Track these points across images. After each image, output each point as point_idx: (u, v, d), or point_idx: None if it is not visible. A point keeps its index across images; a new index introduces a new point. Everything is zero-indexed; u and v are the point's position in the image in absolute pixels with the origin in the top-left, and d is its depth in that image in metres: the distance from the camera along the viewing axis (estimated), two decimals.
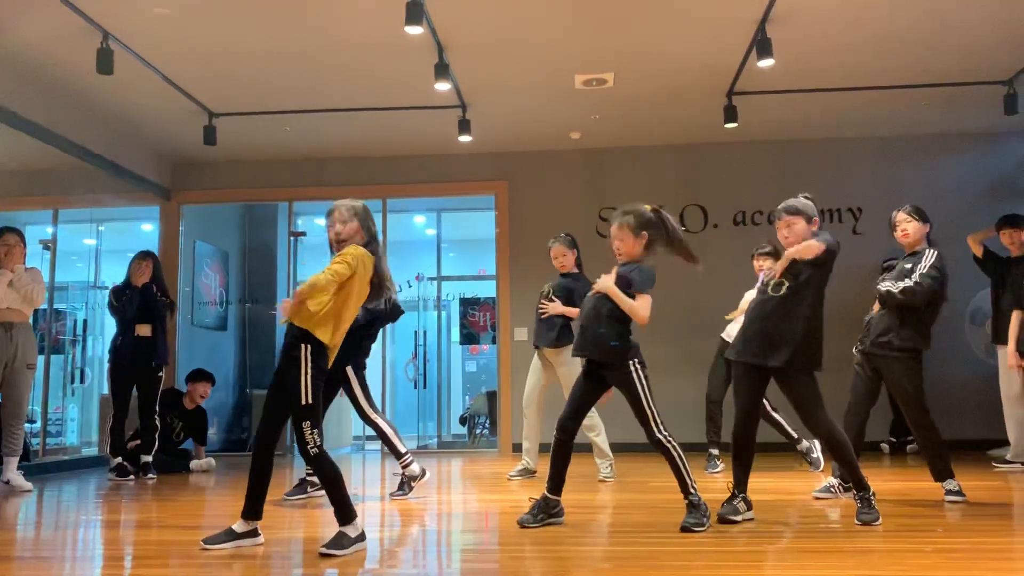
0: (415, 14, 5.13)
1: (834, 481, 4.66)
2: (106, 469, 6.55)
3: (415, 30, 5.28)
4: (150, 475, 6.32)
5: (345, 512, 3.32)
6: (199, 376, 7.20)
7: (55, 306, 8.46)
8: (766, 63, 5.82)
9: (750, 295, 6.10)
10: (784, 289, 3.91)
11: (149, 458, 6.40)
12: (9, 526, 4.31)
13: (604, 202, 8.21)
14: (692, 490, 3.73)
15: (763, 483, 5.12)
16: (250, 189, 8.85)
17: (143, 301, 6.45)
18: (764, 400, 5.92)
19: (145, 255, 6.60)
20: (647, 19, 5.75)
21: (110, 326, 6.98)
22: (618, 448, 5.87)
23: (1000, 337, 6.04)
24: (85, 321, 9.11)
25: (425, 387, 10.56)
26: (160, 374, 6.54)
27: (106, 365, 6.81)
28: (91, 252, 9.49)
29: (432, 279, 10.25)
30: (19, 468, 5.70)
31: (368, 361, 5.21)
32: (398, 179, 8.63)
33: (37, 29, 5.65)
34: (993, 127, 7.88)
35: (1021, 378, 5.82)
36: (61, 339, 8.88)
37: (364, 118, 7.56)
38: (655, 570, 2.98)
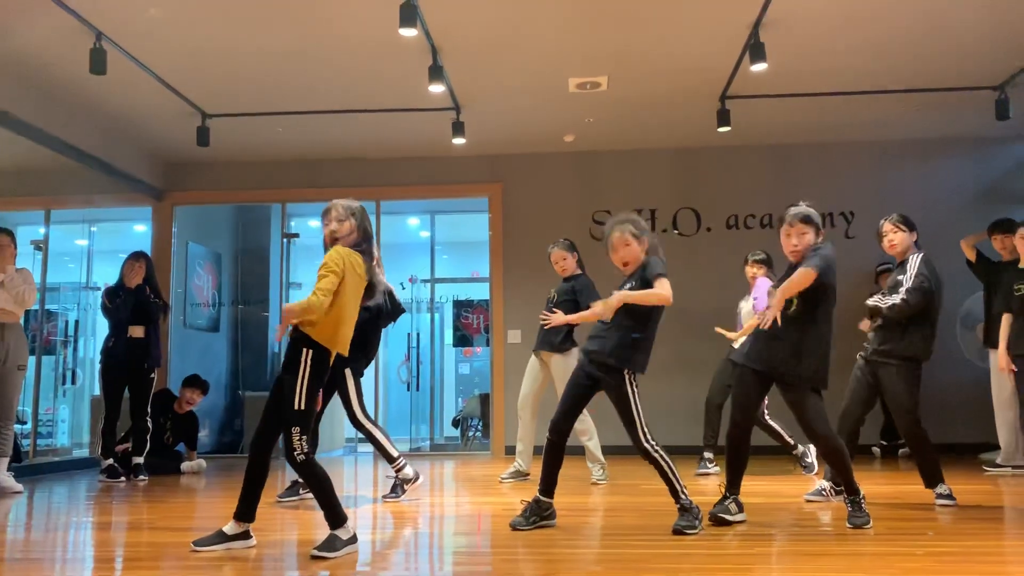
0: (409, 16, 5.13)
1: (825, 484, 4.67)
2: (97, 471, 6.53)
3: (409, 32, 5.29)
4: (141, 477, 6.30)
5: (336, 516, 3.32)
6: (191, 383, 7.16)
7: (47, 307, 8.43)
8: (759, 67, 5.84)
9: (745, 307, 6.13)
10: (793, 308, 3.90)
11: (140, 460, 6.38)
12: None
13: (598, 205, 8.23)
14: (683, 495, 3.74)
15: (755, 486, 5.14)
16: (243, 190, 8.83)
17: (136, 302, 6.43)
18: (764, 407, 5.95)
19: (138, 256, 6.58)
20: (641, 23, 5.77)
21: (102, 327, 6.96)
22: (610, 451, 5.88)
23: (992, 341, 6.06)
24: (77, 322, 9.08)
25: (418, 389, 10.55)
26: (152, 376, 6.52)
27: (98, 366, 6.79)
28: (83, 253, 9.47)
29: (426, 281, 10.25)
30: (9, 469, 5.67)
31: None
32: (392, 181, 8.63)
33: (30, 29, 5.64)
34: (985, 132, 7.91)
35: (1012, 382, 5.83)
36: (52, 340, 8.85)
37: (358, 120, 7.56)
38: (646, 573, 2.98)
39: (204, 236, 9.46)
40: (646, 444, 3.74)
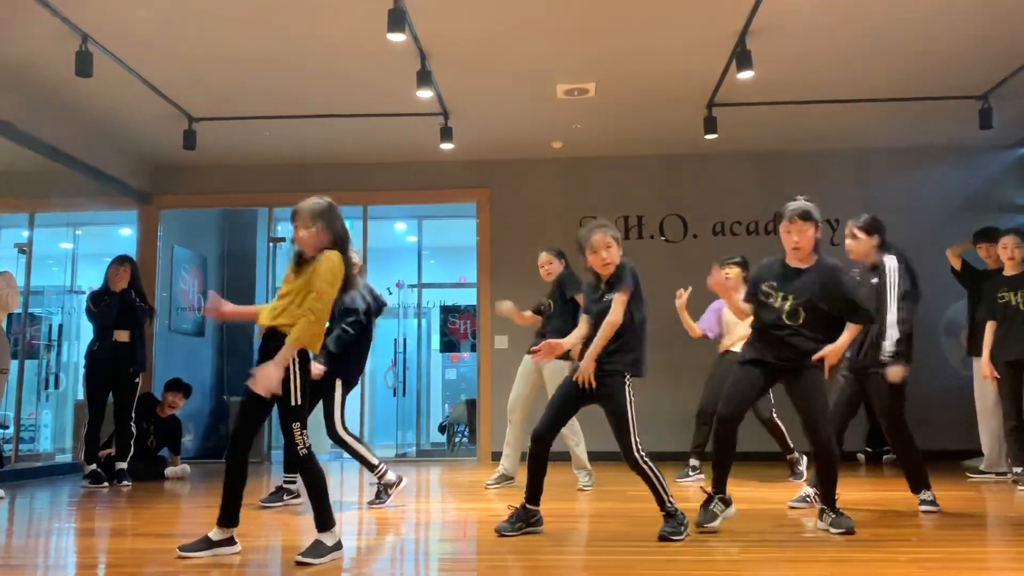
0: (397, 21, 5.13)
1: (810, 491, 4.68)
2: (80, 476, 6.48)
3: (397, 37, 5.29)
4: (125, 482, 6.25)
5: (325, 518, 3.31)
6: (173, 386, 7.12)
7: (30, 310, 8.37)
8: (746, 75, 5.88)
9: (728, 315, 6.11)
10: (801, 318, 3.89)
11: (124, 465, 6.33)
12: None
13: (585, 211, 8.23)
14: (669, 502, 3.74)
15: (739, 492, 5.14)
16: (229, 194, 8.80)
17: (122, 306, 6.39)
18: (771, 406, 5.95)
19: (123, 260, 6.54)
20: (629, 30, 5.79)
21: (86, 331, 6.92)
22: (597, 457, 5.87)
23: (976, 349, 6.11)
24: (61, 326, 9.03)
25: (404, 395, 10.53)
26: (137, 380, 6.47)
27: (82, 371, 6.74)
28: (68, 256, 9.41)
29: (413, 286, 10.24)
30: None
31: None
32: (379, 186, 8.62)
33: (15, 31, 5.61)
34: (969, 141, 7.98)
35: (995, 389, 5.88)
36: (36, 344, 8.79)
37: (345, 124, 7.55)
38: None
39: (190, 240, 9.42)
40: (636, 455, 3.70)
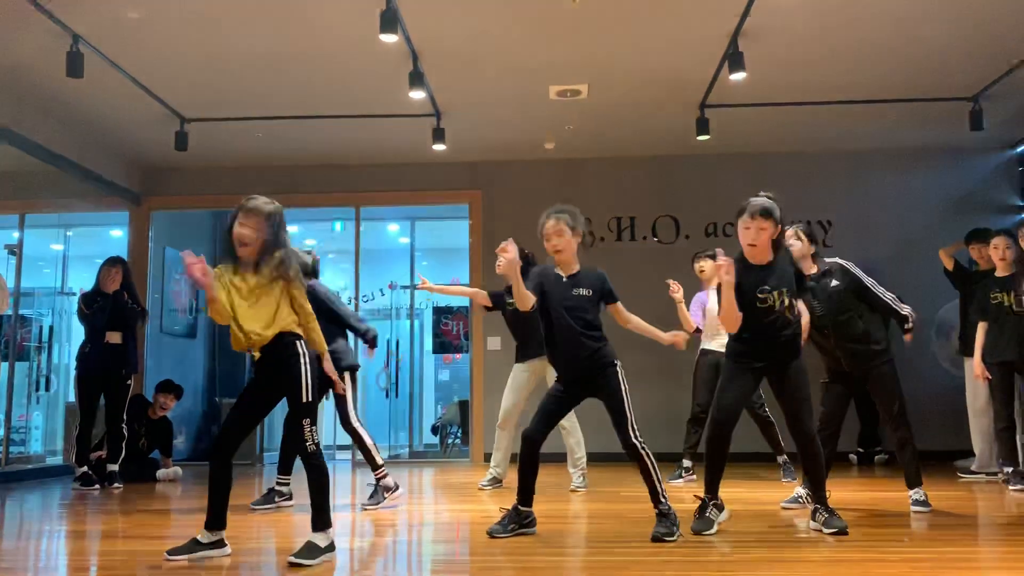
0: (390, 22, 5.13)
1: (802, 492, 4.69)
2: (71, 478, 6.45)
3: (390, 38, 5.29)
4: (116, 484, 6.23)
5: (323, 518, 3.31)
6: (164, 387, 7.10)
7: (20, 312, 8.33)
8: (738, 76, 5.89)
9: (713, 307, 6.11)
10: (794, 311, 3.92)
11: (115, 467, 6.30)
12: None
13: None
14: (663, 499, 3.73)
15: (732, 493, 5.15)
16: (221, 196, 8.74)
17: (114, 308, 6.36)
18: (763, 400, 5.95)
19: (114, 261, 6.52)
20: (621, 31, 5.79)
21: (77, 333, 6.89)
22: (590, 457, 5.86)
23: (967, 349, 6.13)
24: (51, 328, 8.98)
25: (397, 396, 10.51)
26: (129, 382, 6.45)
27: (73, 372, 6.71)
28: (58, 257, 9.37)
29: (405, 288, 10.23)
30: None
31: None
32: (372, 187, 8.61)
33: (6, 32, 5.58)
34: (960, 142, 8.01)
35: (987, 389, 5.90)
36: (26, 346, 8.75)
37: (338, 125, 7.54)
38: None
39: (181, 241, 9.37)
40: (635, 440, 3.72)
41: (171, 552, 3.32)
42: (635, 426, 3.75)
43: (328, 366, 3.54)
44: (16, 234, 8.07)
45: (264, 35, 5.77)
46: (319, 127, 7.57)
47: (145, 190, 8.69)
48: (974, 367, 5.82)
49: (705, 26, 5.69)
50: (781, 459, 6.17)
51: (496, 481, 5.85)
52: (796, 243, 4.54)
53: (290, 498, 5.01)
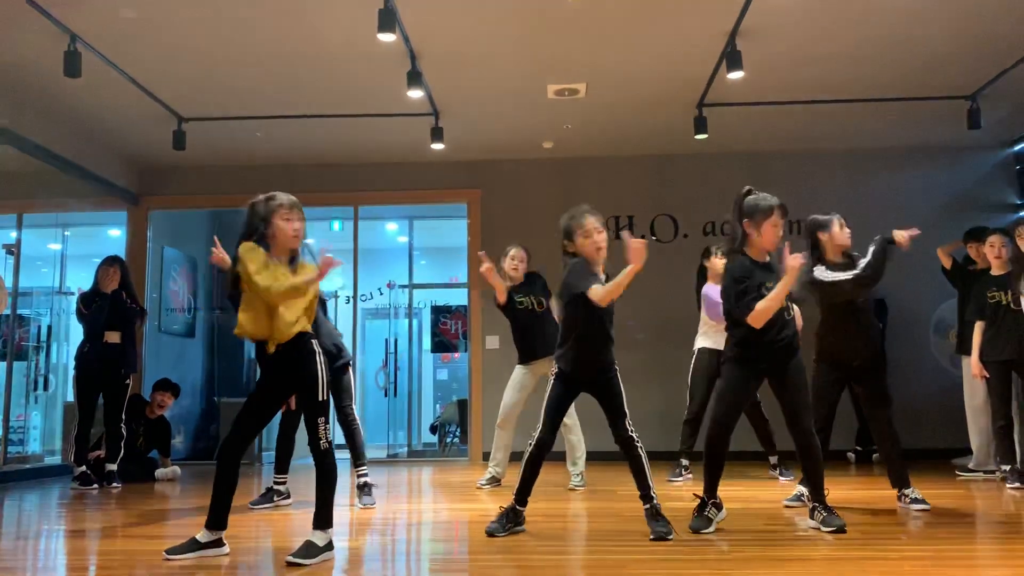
0: (388, 21, 5.12)
1: (803, 490, 4.68)
2: (69, 478, 6.44)
3: (388, 37, 5.29)
4: (114, 484, 6.22)
5: (325, 516, 3.33)
6: (162, 386, 7.10)
7: (19, 311, 8.32)
8: (736, 75, 5.89)
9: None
10: (793, 309, 3.95)
11: (114, 466, 6.30)
12: None
13: None
14: (653, 494, 3.75)
15: (732, 491, 5.15)
16: (220, 195, 8.75)
17: (113, 307, 6.36)
18: (760, 403, 5.96)
19: (113, 260, 6.51)
20: (619, 30, 5.79)
21: (75, 333, 6.88)
22: (589, 456, 5.85)
23: (965, 347, 6.13)
24: (50, 327, 8.98)
25: (396, 395, 10.51)
26: (128, 382, 6.45)
27: (71, 372, 6.71)
28: (56, 257, 9.36)
29: (404, 287, 10.22)
30: None
31: None
32: (370, 186, 8.61)
33: (2, 31, 5.57)
34: (958, 141, 8.01)
35: (984, 388, 5.91)
36: (24, 345, 8.74)
37: (336, 124, 7.53)
38: None
39: (180, 241, 9.38)
40: (631, 433, 3.77)
41: (170, 551, 3.32)
42: (630, 421, 3.80)
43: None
44: (14, 234, 8.06)
45: (263, 34, 5.76)
46: (317, 126, 7.57)
47: (143, 190, 8.68)
48: (972, 366, 5.82)
49: (703, 25, 5.69)
50: (773, 459, 6.18)
51: (495, 480, 5.85)
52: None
53: (288, 497, 5.01)
